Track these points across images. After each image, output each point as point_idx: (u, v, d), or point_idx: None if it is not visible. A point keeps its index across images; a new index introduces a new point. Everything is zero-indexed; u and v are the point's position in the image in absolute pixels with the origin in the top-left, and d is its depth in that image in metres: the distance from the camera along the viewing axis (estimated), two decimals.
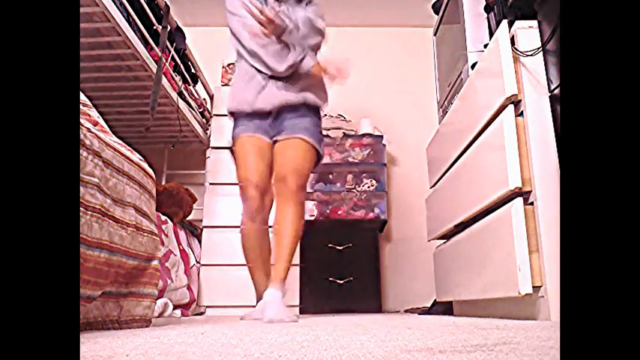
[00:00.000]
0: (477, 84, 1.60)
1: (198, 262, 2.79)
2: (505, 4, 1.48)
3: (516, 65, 1.36)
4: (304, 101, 1.93)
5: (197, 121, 3.10)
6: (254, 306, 1.91)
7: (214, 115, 3.13)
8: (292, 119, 1.91)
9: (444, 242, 1.99)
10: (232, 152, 2.01)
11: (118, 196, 1.14)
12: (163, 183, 3.19)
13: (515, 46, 1.36)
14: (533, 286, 1.19)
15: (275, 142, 1.93)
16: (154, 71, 2.33)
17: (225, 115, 2.98)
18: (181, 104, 2.76)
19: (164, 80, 2.43)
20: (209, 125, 3.22)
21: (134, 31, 2.12)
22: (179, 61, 2.76)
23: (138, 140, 3.14)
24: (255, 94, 1.91)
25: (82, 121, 1.03)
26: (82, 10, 1.84)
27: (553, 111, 1.30)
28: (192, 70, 3.08)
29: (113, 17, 1.91)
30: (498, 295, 1.34)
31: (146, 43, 2.27)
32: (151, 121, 2.27)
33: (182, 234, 2.67)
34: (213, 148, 3.04)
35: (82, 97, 1.25)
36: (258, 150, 1.91)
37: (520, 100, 1.34)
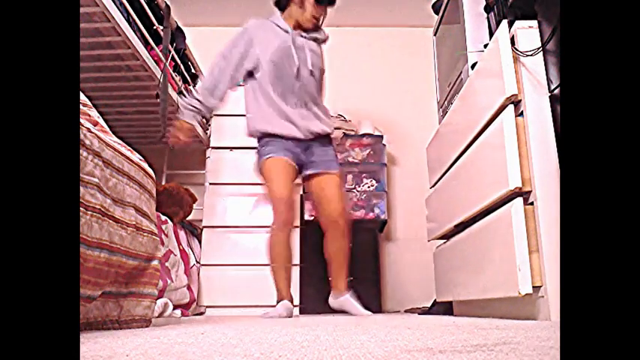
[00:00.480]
0: (476, 84, 1.60)
1: (198, 262, 2.79)
2: (505, 4, 1.47)
3: (516, 65, 1.35)
4: (330, 130, 2.16)
5: (197, 121, 3.10)
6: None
7: (214, 115, 3.12)
8: (320, 149, 2.11)
9: (444, 242, 1.99)
10: (261, 172, 2.10)
11: (118, 196, 1.14)
12: (163, 183, 3.19)
13: (515, 46, 1.36)
14: (533, 286, 1.19)
15: (309, 175, 2.10)
16: (154, 71, 2.33)
17: (225, 115, 3.01)
18: None
19: None
20: (209, 125, 3.22)
21: (134, 31, 2.12)
22: (179, 61, 2.77)
23: (138, 140, 3.14)
24: (288, 120, 2.04)
25: (82, 121, 1.03)
26: (82, 10, 1.84)
27: (553, 111, 1.30)
28: (192, 70, 3.08)
29: (113, 17, 1.91)
30: (498, 295, 1.34)
31: (146, 43, 2.27)
32: (163, 130, 2.28)
33: (182, 234, 2.66)
34: (213, 148, 3.03)
35: (82, 97, 1.25)
36: (286, 171, 2.03)
37: (520, 100, 1.34)
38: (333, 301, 2.08)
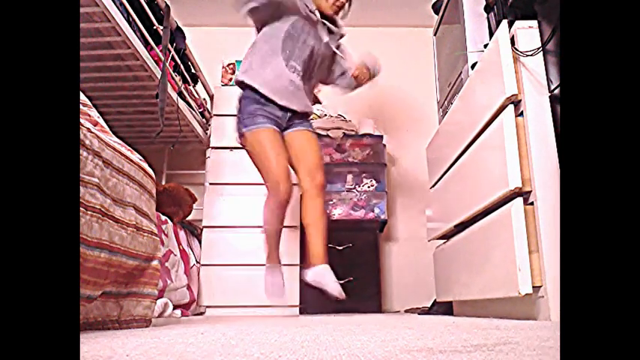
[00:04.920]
0: (476, 84, 1.60)
1: (198, 262, 2.79)
2: (505, 4, 1.47)
3: (516, 65, 1.35)
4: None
5: (197, 121, 3.10)
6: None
7: (214, 115, 3.13)
8: (300, 119, 2.11)
9: (444, 242, 1.99)
10: (244, 144, 2.04)
11: (118, 196, 1.14)
12: (163, 183, 3.19)
13: (515, 46, 1.36)
14: (533, 286, 1.19)
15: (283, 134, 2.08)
16: (154, 71, 2.32)
17: (225, 115, 3.00)
18: (181, 104, 2.76)
19: None
20: (209, 125, 3.22)
21: (134, 31, 2.12)
22: (179, 61, 2.76)
23: (138, 140, 3.14)
24: (289, 89, 2.01)
25: (82, 121, 1.03)
26: (82, 10, 1.84)
27: (553, 111, 1.30)
28: (192, 70, 3.08)
29: (113, 17, 1.90)
30: (498, 295, 1.34)
31: (146, 43, 2.27)
32: (161, 127, 2.28)
33: (182, 234, 2.66)
34: (213, 148, 3.03)
35: (82, 97, 1.25)
36: (279, 144, 1.99)
37: (520, 100, 1.34)
38: (310, 274, 1.94)
